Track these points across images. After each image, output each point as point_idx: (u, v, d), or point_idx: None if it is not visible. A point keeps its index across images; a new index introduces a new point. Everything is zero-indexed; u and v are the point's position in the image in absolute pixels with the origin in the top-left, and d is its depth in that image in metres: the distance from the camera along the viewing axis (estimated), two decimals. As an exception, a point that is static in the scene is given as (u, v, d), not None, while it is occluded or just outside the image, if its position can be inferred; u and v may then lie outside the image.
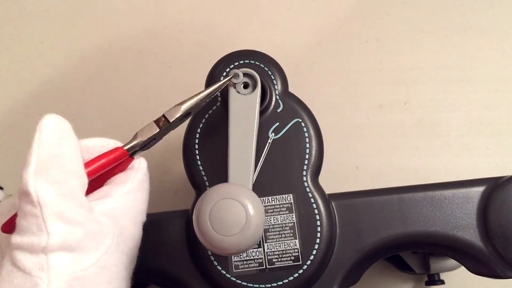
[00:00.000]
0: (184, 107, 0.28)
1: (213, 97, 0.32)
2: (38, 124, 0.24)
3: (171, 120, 0.28)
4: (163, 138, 0.29)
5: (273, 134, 0.32)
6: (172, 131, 0.29)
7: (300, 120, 0.32)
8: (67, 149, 0.24)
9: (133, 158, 0.28)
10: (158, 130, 0.28)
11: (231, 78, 0.30)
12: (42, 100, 0.49)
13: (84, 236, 0.23)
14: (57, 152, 0.23)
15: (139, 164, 0.28)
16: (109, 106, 0.48)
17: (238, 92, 0.30)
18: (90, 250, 0.23)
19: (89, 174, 0.25)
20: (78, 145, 0.25)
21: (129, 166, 0.28)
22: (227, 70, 0.32)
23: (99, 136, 0.28)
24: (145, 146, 0.28)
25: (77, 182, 0.24)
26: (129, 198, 0.27)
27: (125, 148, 0.27)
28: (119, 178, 0.27)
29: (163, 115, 0.28)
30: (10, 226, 0.24)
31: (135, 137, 0.28)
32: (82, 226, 0.23)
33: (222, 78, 0.31)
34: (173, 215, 0.32)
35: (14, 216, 0.23)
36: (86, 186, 0.25)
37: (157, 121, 0.28)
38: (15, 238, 0.22)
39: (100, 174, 0.27)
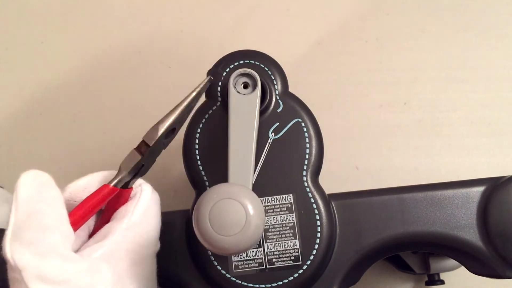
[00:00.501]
0: (163, 127, 0.26)
1: (213, 97, 0.32)
2: (16, 184, 0.24)
3: (150, 144, 0.26)
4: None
5: (273, 134, 0.32)
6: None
7: (300, 120, 0.32)
8: (45, 204, 0.23)
9: (130, 188, 0.27)
10: (141, 157, 0.26)
11: (208, 79, 0.29)
12: (42, 100, 0.49)
13: None
14: (35, 209, 0.23)
15: (141, 192, 0.27)
16: (109, 106, 0.48)
17: (238, 92, 0.30)
18: None
19: (78, 220, 0.24)
20: (59, 195, 0.24)
21: (131, 195, 0.27)
22: (227, 70, 0.32)
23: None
24: (137, 174, 0.27)
25: (57, 236, 0.23)
26: (130, 235, 0.25)
27: (112, 184, 0.26)
28: (119, 213, 0.26)
29: (143, 140, 0.26)
30: None
31: (119, 170, 0.26)
32: (67, 283, 0.22)
33: (206, 80, 0.29)
34: (173, 215, 0.32)
35: None
36: (71, 236, 0.24)
37: (138, 148, 0.26)
38: None
39: (106, 209, 0.26)
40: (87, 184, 0.27)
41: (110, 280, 0.24)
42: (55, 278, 0.22)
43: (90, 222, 0.28)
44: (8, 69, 0.50)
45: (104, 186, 0.25)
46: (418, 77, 0.48)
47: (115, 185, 0.26)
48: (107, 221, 0.27)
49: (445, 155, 0.46)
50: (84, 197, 0.26)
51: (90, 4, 0.51)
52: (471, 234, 0.31)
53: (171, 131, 0.27)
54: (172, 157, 0.47)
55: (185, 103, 0.27)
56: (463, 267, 0.33)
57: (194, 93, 0.28)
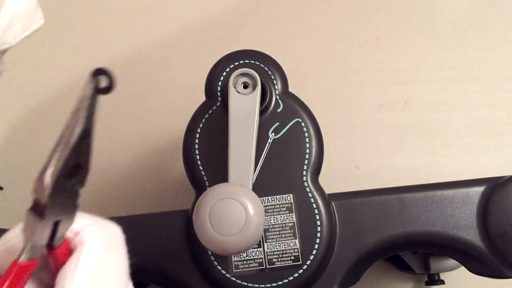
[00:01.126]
0: (43, 180, 0.18)
1: (213, 97, 0.32)
2: None
3: (43, 200, 0.18)
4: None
5: (273, 134, 0.32)
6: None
7: (300, 120, 0.32)
8: None
9: (64, 243, 0.20)
10: (39, 219, 0.18)
11: (94, 91, 0.19)
12: (42, 100, 0.49)
13: None
14: None
15: (81, 246, 0.19)
16: (108, 106, 0.48)
17: (238, 92, 0.30)
18: None
19: None
20: None
21: (70, 249, 0.20)
22: (227, 70, 0.32)
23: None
24: (55, 231, 0.19)
25: None
26: None
27: (22, 259, 0.19)
28: (58, 281, 0.19)
29: (33, 197, 0.18)
30: None
31: (24, 239, 0.19)
32: None
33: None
34: (173, 215, 0.32)
35: None
36: None
37: (34, 208, 0.18)
38: None
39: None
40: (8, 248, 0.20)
41: None
42: None
43: None
44: (7, 69, 0.50)
45: (13, 265, 0.18)
46: (418, 77, 0.48)
47: (31, 258, 0.19)
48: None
49: (445, 155, 0.46)
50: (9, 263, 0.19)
51: (90, 4, 0.51)
52: (471, 234, 0.31)
53: (75, 167, 0.19)
54: (172, 157, 0.47)
55: (74, 140, 0.18)
56: (463, 267, 0.33)
57: (81, 113, 0.18)
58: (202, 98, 0.32)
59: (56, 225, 0.19)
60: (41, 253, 0.19)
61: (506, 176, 0.32)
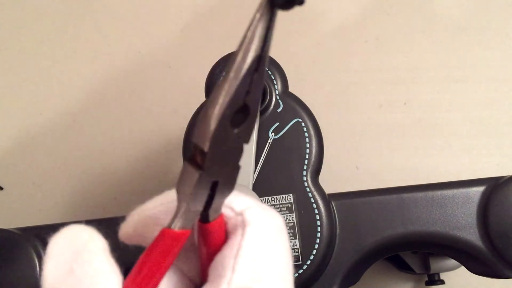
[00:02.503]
0: (208, 118, 0.14)
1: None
2: (48, 245, 0.16)
3: (206, 149, 0.15)
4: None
5: (273, 134, 0.32)
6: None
7: (300, 120, 0.32)
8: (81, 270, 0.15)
9: (220, 217, 0.17)
10: (199, 172, 0.15)
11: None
12: (41, 100, 0.49)
13: None
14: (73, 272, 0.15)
15: (243, 228, 0.16)
16: (108, 105, 0.48)
17: (238, 92, 0.30)
18: None
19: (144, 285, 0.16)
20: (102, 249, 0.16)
21: (229, 229, 0.17)
22: (227, 70, 0.32)
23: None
24: (213, 196, 0.16)
25: None
26: None
27: (174, 225, 0.16)
28: (215, 267, 0.16)
29: (193, 144, 0.15)
30: None
31: (178, 199, 0.16)
32: None
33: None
34: (173, 215, 0.32)
35: None
36: None
37: (192, 158, 0.15)
38: None
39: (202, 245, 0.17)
40: (157, 215, 0.18)
41: None
42: None
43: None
44: (8, 68, 0.50)
45: (163, 232, 0.16)
46: (418, 77, 0.48)
47: (183, 226, 0.16)
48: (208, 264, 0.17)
49: (445, 155, 0.46)
50: (157, 232, 0.16)
51: (90, 4, 0.51)
52: (471, 234, 0.31)
53: (242, 111, 0.15)
54: (172, 157, 0.47)
55: (239, 57, 0.14)
56: (463, 267, 0.33)
57: (251, 33, 0.15)
58: (202, 98, 0.32)
59: (213, 187, 0.16)
60: (193, 223, 0.16)
61: (506, 176, 0.32)
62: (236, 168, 0.17)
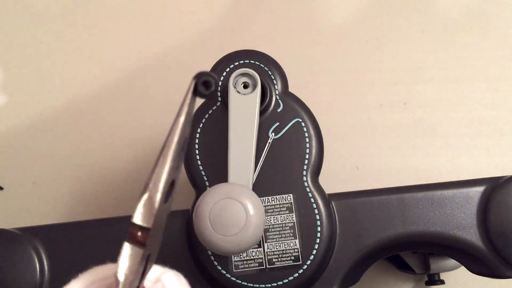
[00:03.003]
0: (157, 192, 0.16)
1: (213, 97, 0.32)
2: None
3: (150, 226, 0.16)
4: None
5: (273, 134, 0.32)
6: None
7: (300, 120, 0.32)
8: None
9: None
10: (142, 249, 0.17)
11: (192, 92, 0.18)
12: (41, 100, 0.49)
13: None
14: None
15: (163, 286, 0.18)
16: (107, 106, 0.48)
17: (238, 92, 0.30)
18: None
19: None
20: None
21: None
22: (227, 70, 0.32)
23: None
24: (144, 271, 0.17)
25: None
26: None
27: None
28: None
29: (134, 223, 0.16)
30: None
31: (116, 282, 0.16)
32: None
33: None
34: (173, 215, 0.32)
35: None
36: None
37: (132, 237, 0.17)
38: None
39: None
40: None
41: None
42: None
43: None
44: (7, 68, 0.50)
45: None
46: (418, 77, 0.48)
47: None
48: None
49: (445, 155, 0.46)
50: None
51: (90, 4, 0.51)
52: (471, 234, 0.31)
53: (170, 186, 0.17)
54: (172, 157, 0.47)
55: (175, 138, 0.17)
56: (463, 267, 0.33)
57: (181, 118, 0.17)
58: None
59: (147, 260, 0.17)
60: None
61: (506, 176, 0.32)
62: (160, 237, 0.18)
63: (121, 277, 0.16)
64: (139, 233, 0.16)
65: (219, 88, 0.32)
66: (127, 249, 0.16)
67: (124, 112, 0.48)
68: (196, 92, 0.17)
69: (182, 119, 0.17)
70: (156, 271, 0.19)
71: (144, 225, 0.16)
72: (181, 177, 0.45)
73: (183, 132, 0.17)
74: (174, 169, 0.17)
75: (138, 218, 0.16)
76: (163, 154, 0.17)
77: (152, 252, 0.17)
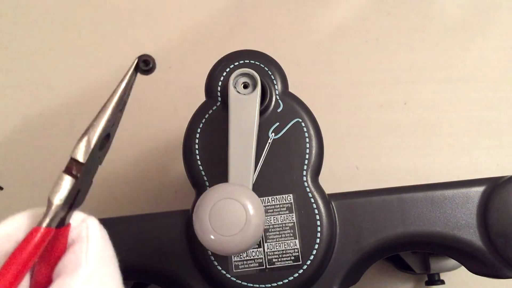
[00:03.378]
0: (95, 136, 0.21)
1: (213, 97, 0.32)
2: None
3: (84, 161, 0.20)
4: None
5: (273, 134, 0.32)
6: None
7: (300, 120, 0.32)
8: None
9: (68, 226, 0.20)
10: (74, 180, 0.20)
11: (135, 67, 0.23)
12: (41, 100, 0.49)
13: None
14: None
15: (87, 230, 0.20)
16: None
17: (238, 92, 0.30)
18: None
19: (9, 286, 0.18)
20: None
21: (73, 237, 0.20)
22: (227, 70, 0.32)
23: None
24: (73, 204, 0.20)
25: None
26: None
27: (44, 224, 0.19)
28: (66, 263, 0.19)
29: (72, 158, 0.20)
30: None
31: (49, 204, 0.20)
32: None
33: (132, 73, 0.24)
34: (173, 215, 0.32)
35: None
36: None
37: (68, 170, 0.20)
38: None
39: (40, 260, 0.20)
40: (12, 231, 0.20)
41: None
42: None
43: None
44: (7, 68, 0.50)
45: (35, 230, 0.19)
46: (418, 77, 0.48)
47: (48, 225, 0.19)
48: (47, 276, 0.20)
49: (445, 155, 0.46)
50: (10, 250, 0.19)
51: (90, 5, 0.51)
52: (471, 234, 0.31)
53: (106, 138, 0.21)
54: (172, 157, 0.47)
55: (115, 98, 0.22)
56: (463, 267, 0.33)
57: (123, 84, 0.22)
58: (202, 98, 0.32)
59: (76, 196, 0.20)
60: (57, 223, 0.20)
61: (506, 176, 0.32)
62: (90, 184, 0.22)
63: (54, 200, 0.20)
64: (75, 167, 0.20)
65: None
66: (62, 177, 0.20)
67: (124, 112, 0.48)
68: (137, 68, 0.22)
69: (123, 84, 0.22)
70: (83, 214, 0.21)
71: (80, 160, 0.20)
72: (181, 177, 0.45)
73: (122, 96, 0.22)
74: (111, 122, 0.21)
75: (76, 153, 0.20)
76: (103, 109, 0.21)
77: (82, 190, 0.21)
